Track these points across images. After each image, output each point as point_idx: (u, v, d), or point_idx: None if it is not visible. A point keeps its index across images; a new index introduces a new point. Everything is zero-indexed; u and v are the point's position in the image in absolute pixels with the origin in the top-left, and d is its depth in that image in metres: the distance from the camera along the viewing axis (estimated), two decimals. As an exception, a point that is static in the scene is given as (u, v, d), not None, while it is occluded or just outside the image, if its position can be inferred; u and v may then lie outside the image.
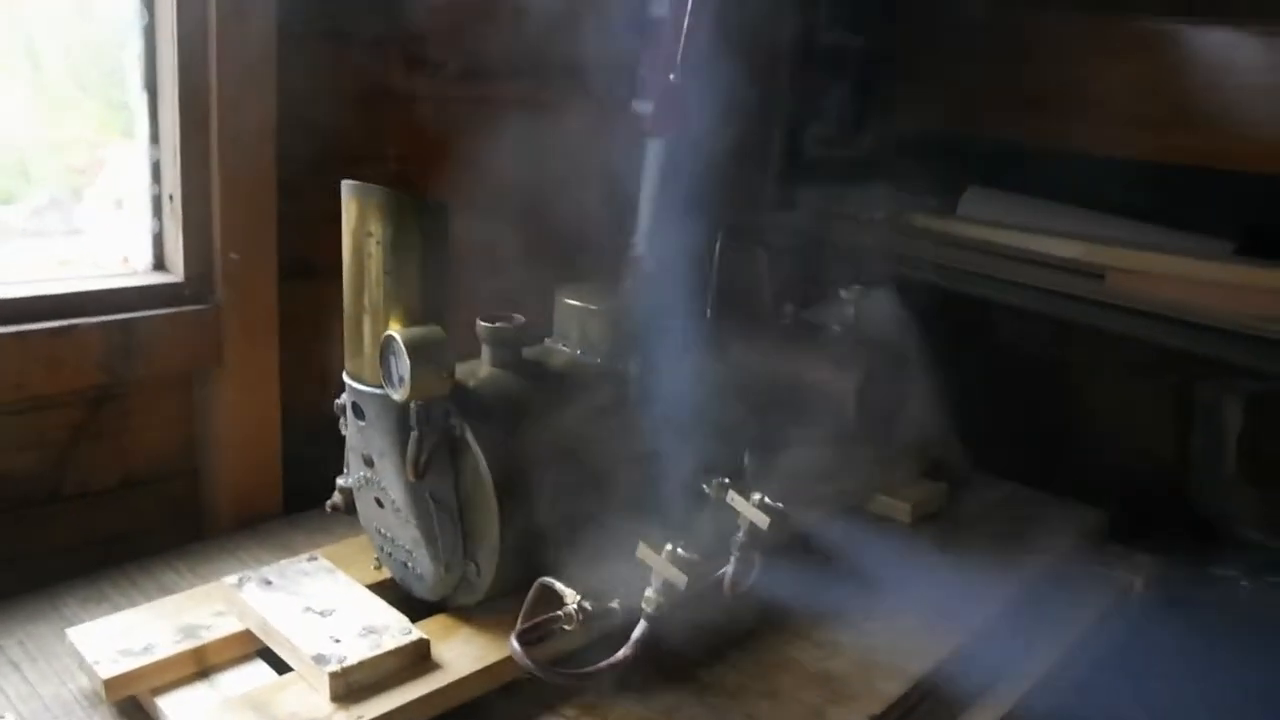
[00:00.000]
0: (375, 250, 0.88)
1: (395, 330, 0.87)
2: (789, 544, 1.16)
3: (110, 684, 0.89)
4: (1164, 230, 1.57)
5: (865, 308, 1.45)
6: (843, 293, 1.42)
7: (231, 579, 1.01)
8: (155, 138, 1.22)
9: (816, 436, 1.43)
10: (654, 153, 1.62)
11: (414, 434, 0.90)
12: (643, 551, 0.88)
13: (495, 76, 1.49)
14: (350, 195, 0.89)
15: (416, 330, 0.87)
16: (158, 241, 1.24)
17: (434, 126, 1.43)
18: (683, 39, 1.55)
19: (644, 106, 1.60)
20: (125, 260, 1.24)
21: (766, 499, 0.96)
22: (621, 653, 0.90)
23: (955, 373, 1.94)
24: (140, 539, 1.23)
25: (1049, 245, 1.56)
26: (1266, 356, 1.34)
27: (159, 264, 1.25)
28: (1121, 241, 1.52)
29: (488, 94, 1.49)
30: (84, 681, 0.93)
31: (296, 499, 1.32)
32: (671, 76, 1.56)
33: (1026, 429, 2.07)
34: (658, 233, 1.63)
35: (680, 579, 0.87)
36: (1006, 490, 1.47)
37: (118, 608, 1.05)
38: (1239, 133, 1.48)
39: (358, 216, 0.89)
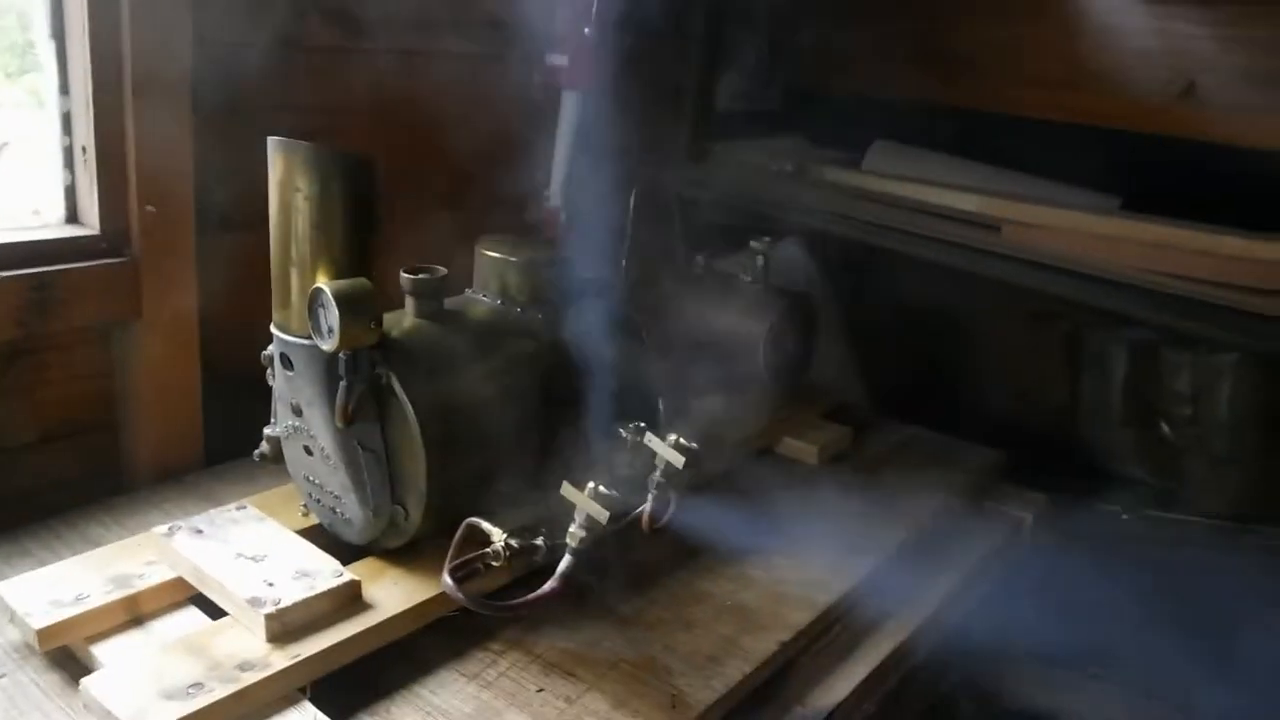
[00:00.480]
0: (303, 205, 0.90)
1: (323, 283, 0.89)
2: (702, 484, 1.21)
3: (43, 634, 0.90)
4: (1057, 185, 1.65)
5: (774, 258, 1.49)
6: (753, 243, 1.46)
7: (161, 528, 1.03)
8: (65, 88, 1.20)
9: (727, 382, 1.49)
10: (568, 105, 1.64)
11: (342, 383, 0.93)
12: (566, 489, 0.92)
13: (413, 29, 1.49)
14: (277, 151, 0.90)
15: (344, 283, 0.89)
16: (70, 194, 1.23)
17: (352, 79, 1.43)
18: (596, -9, 1.57)
19: (558, 59, 1.62)
20: (37, 213, 1.23)
21: (681, 439, 1.00)
22: (549, 585, 0.95)
23: (860, 320, 2.02)
24: (61, 493, 1.23)
25: (949, 198, 1.62)
26: (1147, 306, 1.42)
27: (72, 217, 1.24)
28: (1017, 195, 1.59)
29: (406, 46, 1.49)
30: (14, 634, 0.94)
31: (218, 451, 1.33)
32: (586, 30, 1.58)
33: (928, 374, 2.16)
34: (573, 184, 1.66)
35: (602, 514, 0.91)
36: (909, 433, 1.54)
37: (42, 562, 1.06)
38: (1125, 94, 1.56)
39: (285, 172, 0.90)
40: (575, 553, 0.94)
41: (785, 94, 2.11)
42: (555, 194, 1.66)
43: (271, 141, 0.90)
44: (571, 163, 1.65)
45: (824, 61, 1.96)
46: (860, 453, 1.45)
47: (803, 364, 1.48)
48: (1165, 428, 1.68)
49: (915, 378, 2.11)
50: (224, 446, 1.32)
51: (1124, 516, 1.74)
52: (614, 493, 0.92)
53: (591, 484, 0.92)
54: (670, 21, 1.89)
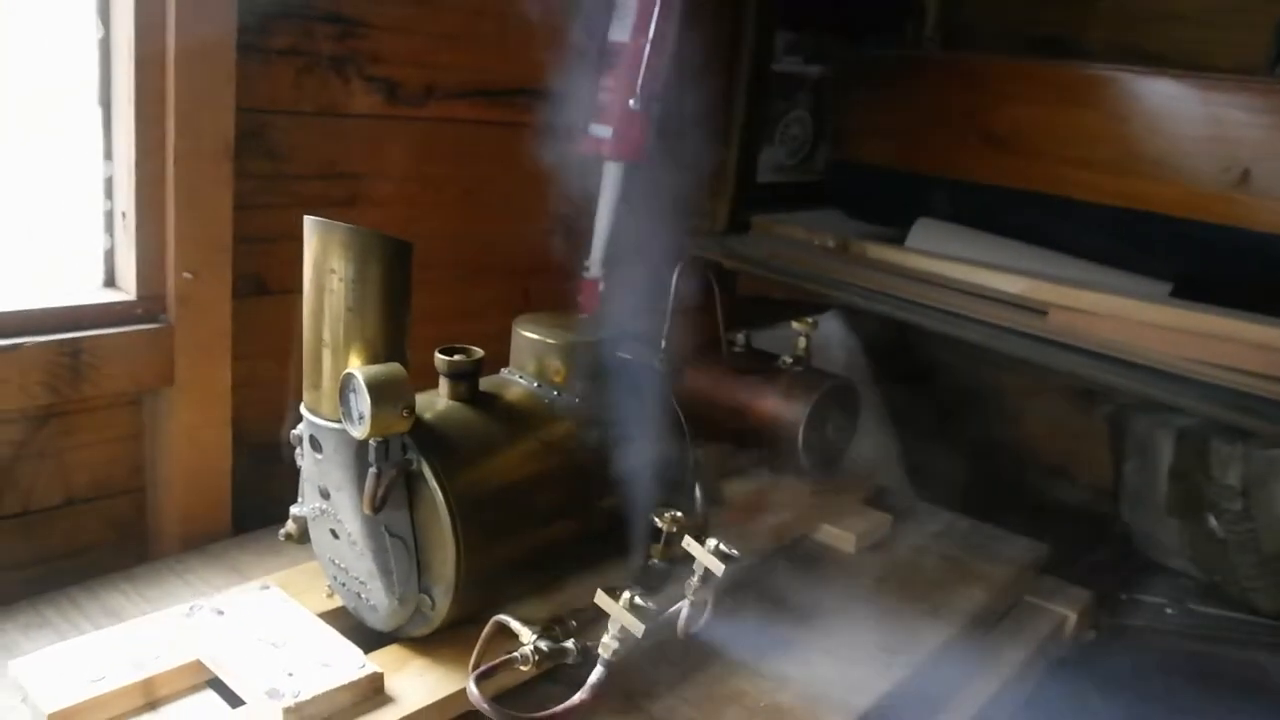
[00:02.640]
0: (338, 286, 0.88)
1: (356, 368, 0.87)
2: (739, 571, 1.18)
3: (55, 717, 0.88)
4: (1105, 269, 1.62)
5: (815, 339, 1.47)
6: (794, 324, 1.44)
7: (182, 608, 1.00)
8: (109, 154, 1.20)
9: (765, 465, 1.47)
10: (611, 176, 1.63)
11: (372, 470, 0.91)
12: (601, 598, 0.89)
13: (457, 98, 1.49)
14: (313, 231, 0.89)
15: (377, 368, 0.88)
16: (109, 258, 1.23)
17: (394, 146, 1.43)
18: (643, 65, 1.56)
19: (602, 131, 1.61)
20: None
21: (722, 545, 0.97)
22: (578, 697, 0.91)
23: (901, 400, 1.99)
24: (84, 559, 1.22)
25: (994, 280, 1.60)
26: (1196, 397, 1.38)
27: (110, 281, 1.23)
28: (1064, 279, 1.56)
29: (450, 115, 1.49)
30: (26, 715, 0.91)
31: (245, 518, 1.31)
32: (631, 102, 1.57)
33: (969, 454, 2.13)
34: (614, 255, 1.64)
35: (638, 627, 0.88)
36: (948, 520, 1.50)
37: (60, 634, 1.04)
38: (1178, 180, 1.54)
39: (320, 252, 0.89)
40: (607, 664, 0.91)
41: (827, 167, 2.10)
42: (596, 265, 1.64)
43: (308, 221, 0.89)
44: (613, 234, 1.64)
45: (866, 136, 1.95)
46: (899, 541, 1.41)
47: (842, 449, 1.45)
48: (1213, 521, 1.63)
49: (956, 458, 2.08)
50: (251, 512, 1.31)
51: (1169, 610, 1.69)
52: (650, 605, 0.89)
53: (627, 594, 0.89)
54: (715, 94, 1.89)
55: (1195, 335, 1.42)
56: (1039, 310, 1.54)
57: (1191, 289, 1.53)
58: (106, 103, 1.19)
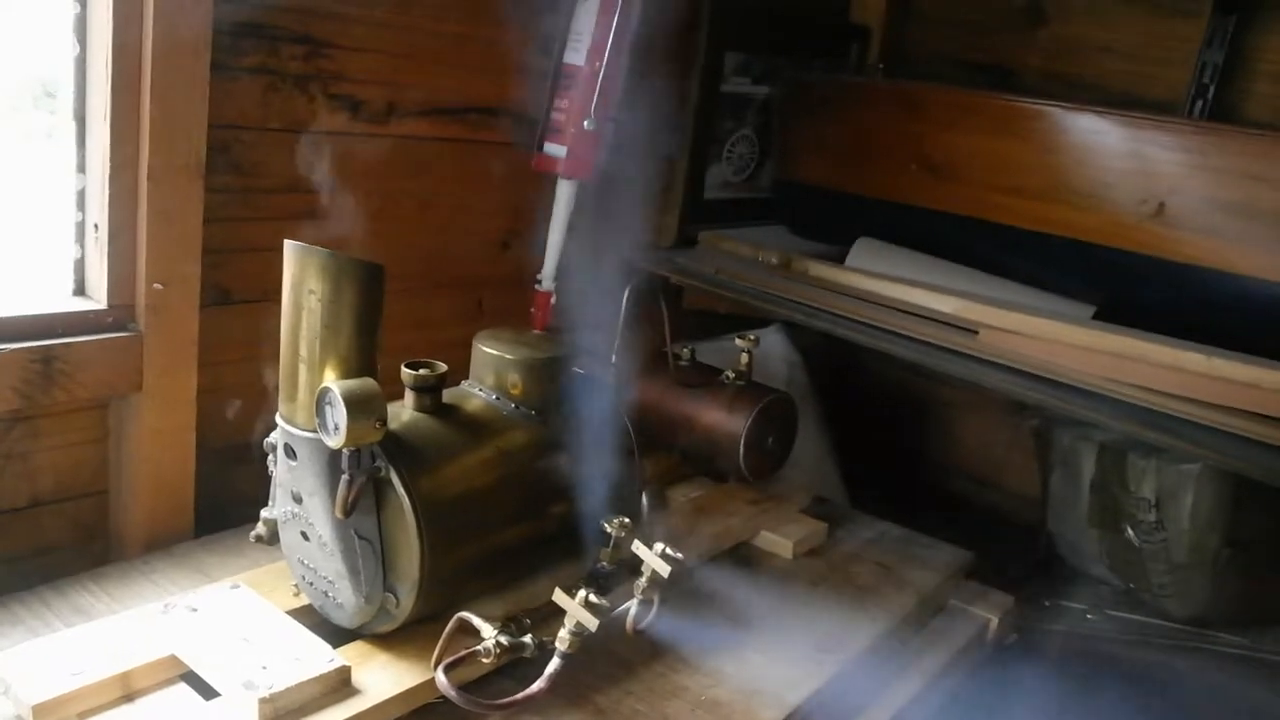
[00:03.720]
0: (315, 306, 0.94)
1: (332, 382, 0.93)
2: (681, 576, 1.24)
3: (38, 709, 0.92)
4: (1033, 291, 1.71)
5: (758, 352, 1.54)
6: (737, 340, 1.51)
7: (157, 605, 1.05)
8: (82, 167, 1.24)
9: (707, 475, 1.54)
10: (564, 193, 1.69)
11: (344, 476, 0.96)
12: (559, 596, 0.96)
13: (413, 115, 1.54)
14: (293, 254, 0.94)
15: (352, 383, 0.93)
16: (79, 268, 1.27)
17: (360, 162, 1.48)
18: (597, 88, 1.62)
19: (557, 150, 1.67)
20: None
21: (668, 549, 1.04)
22: (537, 686, 0.98)
23: (838, 412, 2.07)
24: (49, 559, 1.25)
25: (928, 299, 1.68)
26: (1114, 415, 1.47)
27: (80, 290, 1.27)
28: (994, 300, 1.65)
29: (406, 132, 1.54)
30: (8, 707, 0.95)
31: (207, 521, 1.35)
32: (585, 123, 1.63)
33: (903, 464, 2.22)
34: (567, 269, 1.70)
35: (592, 622, 0.94)
36: (881, 529, 1.57)
37: (32, 631, 1.08)
38: (1101, 209, 1.63)
39: (299, 274, 0.94)
40: (563, 656, 0.97)
41: (772, 185, 2.18)
42: (548, 278, 1.70)
43: (288, 245, 0.94)
44: (565, 249, 1.70)
45: (809, 157, 2.03)
46: (834, 548, 1.49)
47: (780, 460, 1.52)
48: (1130, 531, 1.73)
49: (890, 467, 2.17)
50: (213, 514, 1.35)
51: (1088, 616, 1.78)
52: (604, 603, 0.95)
53: (583, 592, 0.95)
54: (665, 113, 1.96)
55: (1114, 356, 1.50)
56: (970, 329, 1.62)
57: (1113, 312, 1.62)
58: (81, 118, 1.22)
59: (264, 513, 1.10)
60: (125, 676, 0.97)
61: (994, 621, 1.43)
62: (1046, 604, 1.85)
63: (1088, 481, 1.81)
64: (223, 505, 1.35)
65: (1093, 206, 1.64)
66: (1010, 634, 1.47)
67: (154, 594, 1.17)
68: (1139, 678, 1.67)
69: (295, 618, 1.07)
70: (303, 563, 1.08)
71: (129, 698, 0.97)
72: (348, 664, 0.99)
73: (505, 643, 0.98)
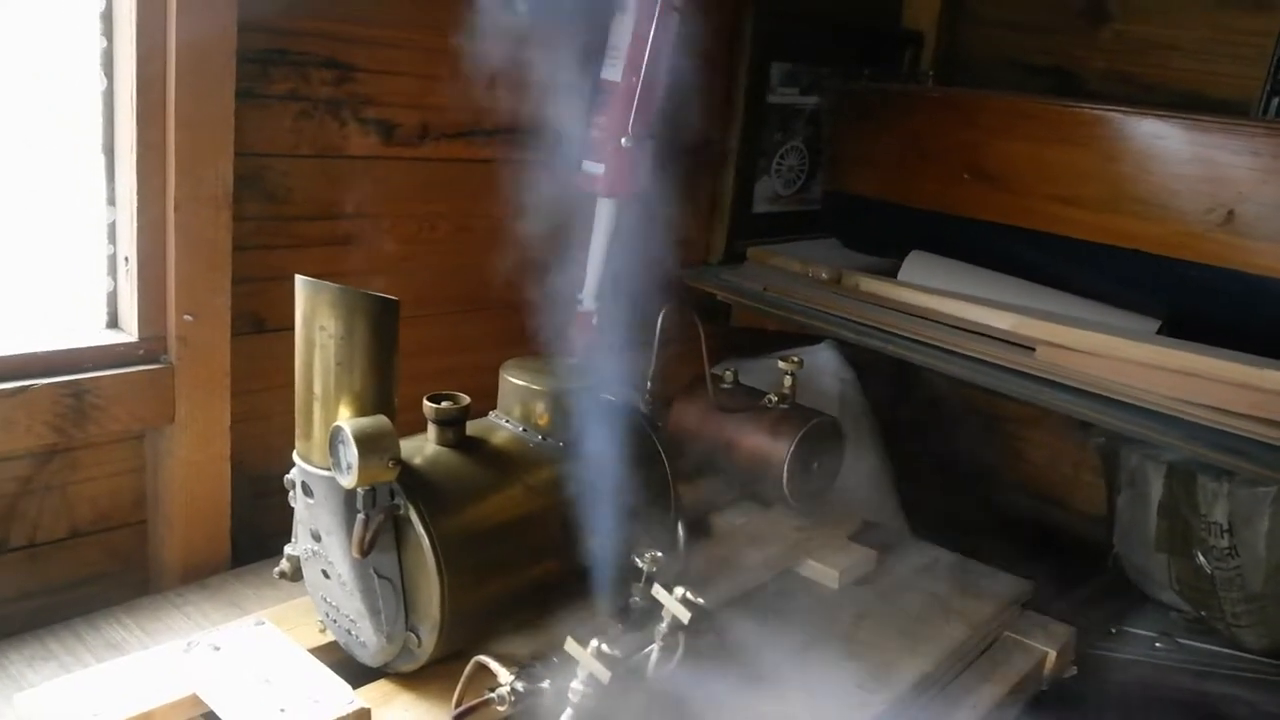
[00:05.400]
0: (327, 343, 0.92)
1: (344, 421, 0.91)
2: (721, 605, 1.20)
3: (57, 754, 0.92)
4: (1094, 304, 1.64)
5: (808, 370, 1.50)
6: (780, 363, 1.47)
7: (180, 644, 1.04)
8: (111, 199, 1.24)
9: (751, 500, 1.49)
10: (604, 211, 1.66)
11: (360, 516, 0.94)
12: (570, 646, 0.92)
13: (448, 137, 1.52)
14: (303, 290, 0.92)
15: (365, 421, 0.91)
16: (111, 300, 1.27)
17: (391, 186, 1.47)
18: (635, 104, 1.59)
19: (595, 168, 1.64)
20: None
21: (688, 594, 1.00)
22: (551, 739, 0.94)
23: (895, 430, 2.01)
24: (87, 590, 1.25)
25: (983, 315, 1.62)
26: (1181, 436, 1.40)
27: (113, 322, 1.27)
28: (1053, 316, 1.58)
29: (444, 155, 1.52)
30: (29, 749, 0.95)
31: (243, 550, 1.34)
32: (623, 140, 1.60)
33: (961, 482, 2.15)
34: (607, 289, 1.67)
35: (604, 674, 0.91)
36: (934, 555, 1.51)
37: (64, 666, 1.08)
38: (1165, 219, 1.55)
39: (310, 310, 0.92)
40: (575, 708, 0.94)
41: (822, 197, 2.13)
42: (589, 298, 1.67)
43: (299, 280, 0.93)
44: (606, 268, 1.67)
45: (860, 168, 1.98)
46: (883, 577, 1.43)
47: (826, 485, 1.47)
48: (1201, 557, 1.65)
49: (952, 487, 2.10)
50: (250, 544, 1.34)
51: (1157, 644, 1.70)
52: (616, 652, 0.92)
53: (595, 642, 0.92)
54: (711, 126, 1.92)
55: (1180, 374, 1.43)
56: (1027, 346, 1.56)
57: (1178, 327, 1.55)
58: (110, 150, 1.22)
59: (287, 549, 1.09)
60: (147, 717, 0.96)
61: (1051, 654, 1.36)
62: (1113, 630, 1.77)
63: (1156, 503, 1.74)
64: (260, 534, 1.35)
65: (1157, 216, 1.57)
66: (1069, 668, 1.40)
67: (186, 627, 1.16)
68: (1209, 711, 1.59)
69: (319, 655, 1.05)
70: (326, 600, 1.06)
71: (150, 740, 0.96)
72: (367, 706, 0.97)
73: (521, 689, 0.95)
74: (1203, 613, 1.73)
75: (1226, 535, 1.61)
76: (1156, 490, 1.73)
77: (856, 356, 1.97)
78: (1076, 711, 1.40)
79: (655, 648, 1.02)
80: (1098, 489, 2.03)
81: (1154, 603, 1.81)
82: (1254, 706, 1.59)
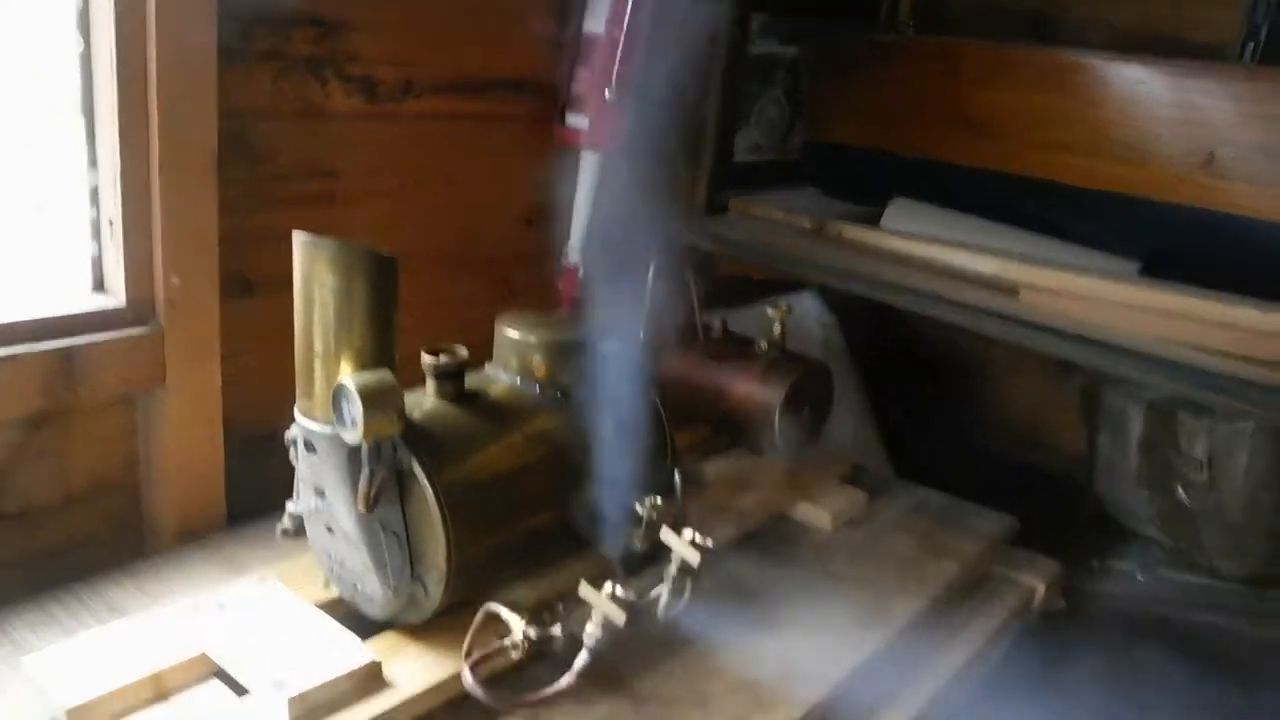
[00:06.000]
0: (327, 299, 0.91)
1: (347, 376, 0.91)
2: (718, 551, 1.22)
3: (73, 713, 0.92)
4: (1075, 248, 1.66)
5: (790, 323, 1.51)
6: (769, 310, 1.48)
7: (186, 603, 1.04)
8: (94, 162, 1.22)
9: (743, 448, 1.51)
10: (588, 165, 1.66)
11: (365, 470, 0.94)
12: (585, 590, 0.94)
13: (431, 93, 1.51)
14: (301, 247, 0.92)
15: (368, 376, 0.91)
16: (96, 264, 1.25)
17: (372, 144, 1.46)
18: (618, 56, 1.59)
19: (580, 121, 1.64)
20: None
21: (697, 536, 1.02)
22: (564, 681, 0.96)
23: (877, 375, 2.03)
24: (83, 555, 1.25)
25: (967, 260, 1.63)
26: (1163, 374, 1.42)
27: (99, 286, 1.26)
28: (1035, 259, 1.59)
29: (424, 111, 1.51)
30: (42, 710, 0.95)
31: (239, 511, 1.34)
32: (607, 93, 1.59)
33: (945, 427, 2.18)
34: (593, 242, 1.67)
35: (619, 616, 0.92)
36: (922, 496, 1.54)
37: (67, 630, 1.07)
38: (1148, 162, 1.57)
39: (308, 267, 0.92)
40: (591, 651, 0.95)
41: (803, 146, 2.13)
42: (575, 253, 1.68)
43: (297, 237, 0.92)
44: (591, 221, 1.67)
45: (841, 118, 1.98)
46: (874, 518, 1.46)
47: (817, 429, 1.49)
48: (1181, 491, 1.68)
49: (932, 429, 2.13)
50: (244, 505, 1.34)
51: (1139, 577, 1.74)
52: (631, 596, 0.93)
53: (609, 585, 0.93)
54: (691, 78, 1.92)
55: (1161, 313, 1.45)
56: (1010, 290, 1.58)
57: (1160, 268, 1.56)
58: (90, 112, 1.20)
59: (289, 506, 1.09)
60: (157, 677, 0.97)
61: (1040, 589, 1.39)
62: (1095, 565, 1.81)
63: (1136, 442, 1.77)
64: (255, 495, 1.34)
65: (1139, 159, 1.58)
66: (1057, 601, 1.43)
67: (186, 588, 1.16)
68: (1191, 639, 1.63)
69: (325, 610, 1.06)
70: (330, 556, 1.07)
71: (161, 697, 0.97)
72: (378, 658, 0.98)
73: (534, 636, 0.96)
74: (1182, 545, 1.77)
75: (1206, 470, 1.64)
76: (1137, 429, 1.76)
77: (839, 304, 1.98)
78: (1064, 643, 1.43)
79: (664, 590, 1.03)
80: (1078, 431, 2.06)
81: (1135, 538, 1.85)
82: (1234, 632, 1.63)
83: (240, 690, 0.97)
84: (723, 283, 1.96)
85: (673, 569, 1.03)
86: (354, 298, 0.92)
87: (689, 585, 1.04)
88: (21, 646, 1.04)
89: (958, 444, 2.15)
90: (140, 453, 1.30)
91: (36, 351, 1.14)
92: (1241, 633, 1.65)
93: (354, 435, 0.91)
